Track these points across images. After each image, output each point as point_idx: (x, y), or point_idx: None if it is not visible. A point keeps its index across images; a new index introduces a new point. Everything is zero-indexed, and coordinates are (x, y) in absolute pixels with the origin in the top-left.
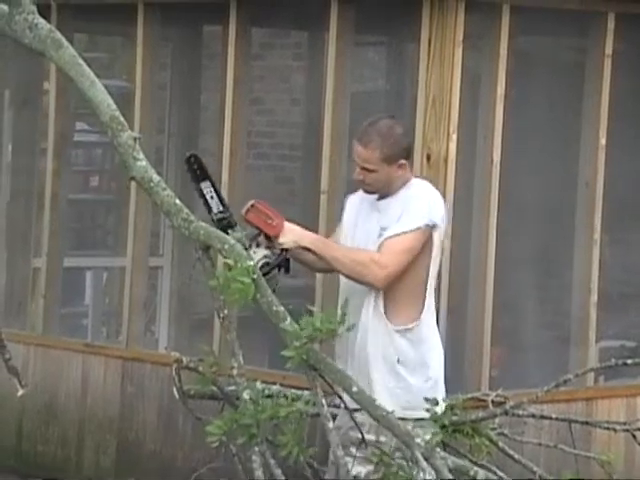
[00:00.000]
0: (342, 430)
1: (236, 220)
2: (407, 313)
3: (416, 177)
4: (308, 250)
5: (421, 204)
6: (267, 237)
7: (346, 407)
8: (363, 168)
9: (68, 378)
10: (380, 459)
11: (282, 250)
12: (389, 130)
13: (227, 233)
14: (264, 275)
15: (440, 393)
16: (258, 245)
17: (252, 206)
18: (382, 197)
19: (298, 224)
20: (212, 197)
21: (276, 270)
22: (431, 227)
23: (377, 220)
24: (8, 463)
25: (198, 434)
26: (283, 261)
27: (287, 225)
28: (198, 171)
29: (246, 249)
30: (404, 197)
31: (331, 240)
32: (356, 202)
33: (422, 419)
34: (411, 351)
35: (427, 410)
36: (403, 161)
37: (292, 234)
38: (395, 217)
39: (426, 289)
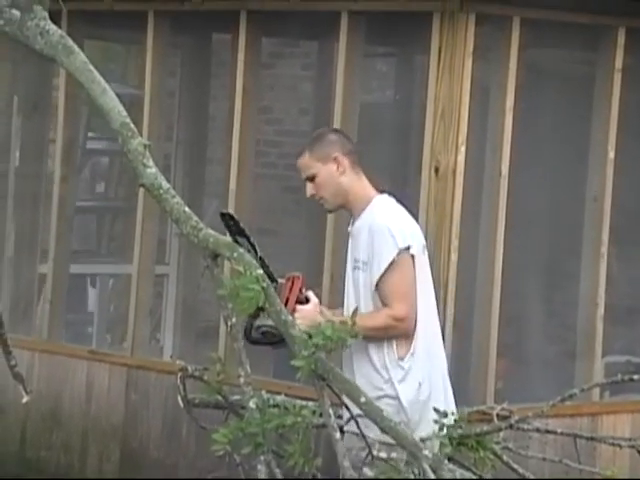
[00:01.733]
0: (354, 452)
1: (275, 277)
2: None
3: (382, 192)
4: None
5: (382, 238)
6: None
7: (356, 421)
8: (307, 179)
9: (73, 385)
10: (389, 474)
11: None
12: (317, 133)
13: None
14: (256, 343)
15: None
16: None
17: (296, 278)
18: (353, 221)
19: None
20: (249, 251)
21: (274, 344)
22: (406, 249)
23: (351, 249)
24: (11, 469)
25: (202, 443)
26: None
27: (302, 310)
28: (233, 227)
29: (263, 310)
30: (368, 225)
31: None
32: None
33: None
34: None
35: (435, 421)
36: (336, 154)
37: (304, 321)
38: (364, 250)
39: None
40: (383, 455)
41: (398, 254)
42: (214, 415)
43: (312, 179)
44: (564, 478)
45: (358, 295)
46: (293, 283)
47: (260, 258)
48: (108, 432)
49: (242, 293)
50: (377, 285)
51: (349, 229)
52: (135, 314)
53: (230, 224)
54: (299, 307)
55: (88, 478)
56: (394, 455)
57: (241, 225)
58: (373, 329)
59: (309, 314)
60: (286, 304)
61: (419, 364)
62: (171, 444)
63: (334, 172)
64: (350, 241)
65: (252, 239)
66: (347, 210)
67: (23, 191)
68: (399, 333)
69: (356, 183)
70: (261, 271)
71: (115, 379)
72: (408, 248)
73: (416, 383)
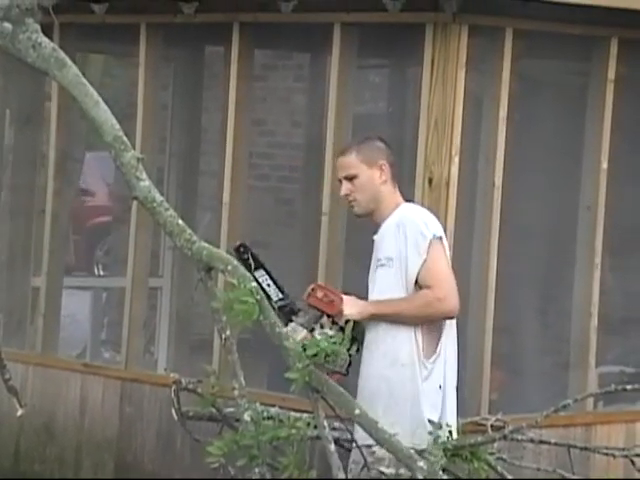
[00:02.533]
0: (360, 465)
1: (298, 305)
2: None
3: (407, 201)
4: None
5: (415, 227)
6: (329, 316)
7: (355, 442)
8: (346, 178)
9: (66, 398)
10: None
11: (346, 322)
12: (365, 137)
13: (291, 320)
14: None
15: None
16: (322, 327)
17: (312, 290)
18: (376, 230)
19: (356, 294)
20: (269, 285)
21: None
22: (439, 238)
23: (375, 254)
24: None
25: (196, 455)
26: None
27: (347, 299)
28: (250, 260)
29: (312, 331)
30: (395, 222)
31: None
32: None
33: None
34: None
35: (430, 433)
36: (382, 161)
37: (355, 307)
38: (389, 246)
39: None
40: (391, 471)
41: (433, 238)
42: (208, 428)
43: (350, 179)
44: None
45: (383, 293)
46: (318, 291)
47: (281, 290)
48: (102, 445)
49: (236, 306)
50: (418, 273)
51: (374, 237)
52: (129, 327)
53: (245, 257)
54: (345, 298)
55: None
56: (402, 471)
57: (259, 258)
58: (415, 307)
59: (354, 301)
60: (331, 304)
61: (441, 367)
62: (165, 457)
63: (376, 178)
64: (374, 249)
65: (271, 272)
66: (373, 218)
67: (16, 204)
68: (439, 315)
69: (392, 195)
70: (254, 283)
71: (109, 392)
72: (440, 238)
73: (437, 385)
